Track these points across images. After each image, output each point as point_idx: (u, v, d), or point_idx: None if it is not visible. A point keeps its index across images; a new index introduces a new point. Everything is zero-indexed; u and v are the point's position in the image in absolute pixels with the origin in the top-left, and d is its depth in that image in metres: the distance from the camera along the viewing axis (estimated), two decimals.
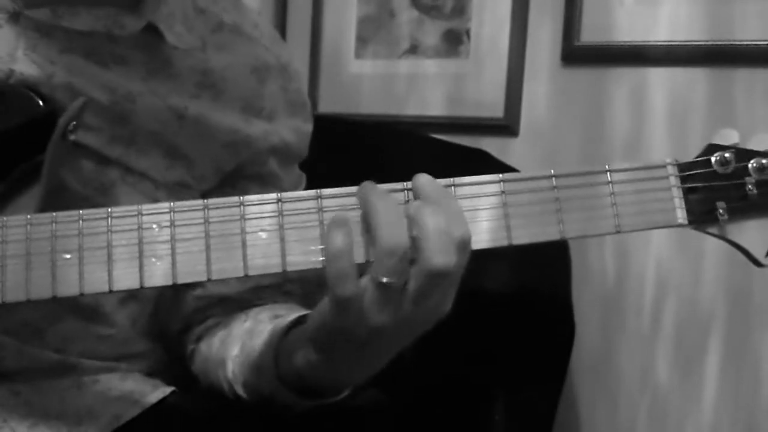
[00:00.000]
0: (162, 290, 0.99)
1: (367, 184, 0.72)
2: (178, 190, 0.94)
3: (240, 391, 0.92)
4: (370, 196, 0.71)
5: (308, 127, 1.05)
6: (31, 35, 0.86)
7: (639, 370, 1.50)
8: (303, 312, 0.89)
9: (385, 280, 0.70)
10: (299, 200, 0.73)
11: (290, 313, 0.91)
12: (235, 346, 0.94)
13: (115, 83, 0.89)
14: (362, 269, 0.72)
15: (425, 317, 0.73)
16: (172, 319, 1.02)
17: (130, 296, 0.95)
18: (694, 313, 1.46)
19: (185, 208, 0.73)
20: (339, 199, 0.73)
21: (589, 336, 1.51)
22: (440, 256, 0.69)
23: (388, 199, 0.71)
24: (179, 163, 0.94)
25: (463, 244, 0.71)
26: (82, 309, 0.91)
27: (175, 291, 1.00)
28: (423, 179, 0.72)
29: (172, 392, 0.96)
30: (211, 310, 1.00)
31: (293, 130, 1.02)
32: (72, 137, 0.82)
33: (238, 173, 0.98)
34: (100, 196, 0.88)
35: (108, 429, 0.89)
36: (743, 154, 0.75)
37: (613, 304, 1.52)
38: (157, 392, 0.95)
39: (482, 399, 1.28)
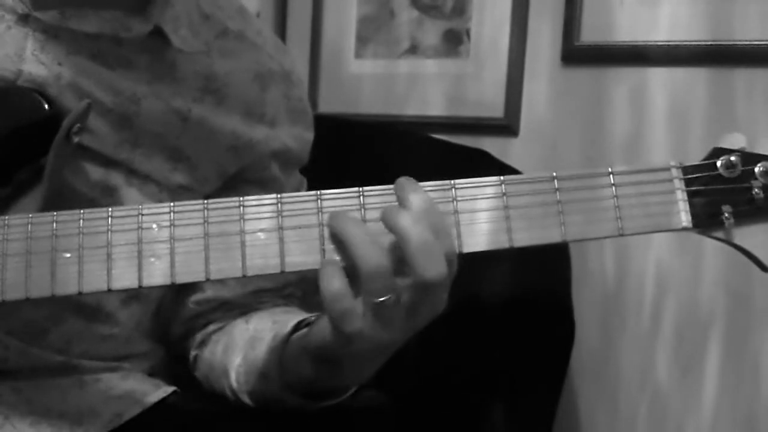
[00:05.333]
0: (164, 292, 0.99)
1: (334, 214, 0.72)
2: (181, 193, 0.94)
3: (246, 399, 0.93)
4: (338, 224, 0.71)
5: (309, 135, 1.05)
6: (39, 37, 0.86)
7: (639, 370, 1.50)
8: (301, 316, 0.90)
9: (376, 300, 0.70)
10: (298, 201, 0.73)
11: (289, 317, 0.91)
12: (238, 356, 0.94)
13: (120, 85, 0.89)
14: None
15: (422, 320, 0.73)
16: (173, 323, 1.02)
17: (133, 297, 0.95)
18: (694, 313, 1.46)
19: (185, 208, 0.73)
20: (338, 200, 0.73)
21: (589, 336, 1.51)
22: (432, 268, 0.69)
23: (355, 222, 0.71)
24: (182, 165, 0.94)
25: (452, 253, 0.71)
26: (85, 309, 0.91)
27: (176, 295, 1.00)
28: (414, 197, 0.70)
29: (174, 392, 0.96)
30: (211, 314, 1.00)
31: (294, 137, 1.02)
32: (76, 139, 0.82)
33: (239, 177, 0.99)
34: (105, 199, 0.89)
35: (109, 427, 0.90)
36: (749, 158, 0.73)
37: (613, 304, 1.52)
38: (158, 392, 0.95)
39: (482, 399, 1.28)
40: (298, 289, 1.02)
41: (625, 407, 1.51)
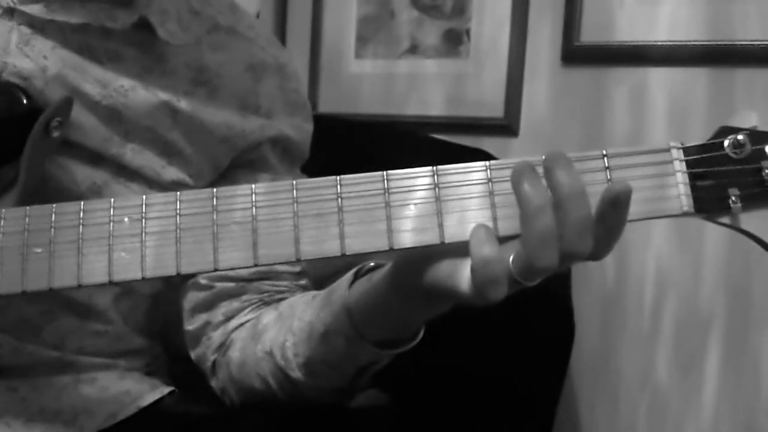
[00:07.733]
0: (159, 288, 0.98)
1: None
2: (174, 189, 0.91)
3: (297, 374, 0.87)
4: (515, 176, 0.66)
5: (309, 126, 1.04)
6: (25, 30, 0.87)
7: (639, 370, 1.50)
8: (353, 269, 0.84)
9: (524, 281, 0.66)
10: (273, 192, 0.70)
11: (324, 291, 0.87)
12: (281, 333, 0.89)
13: (108, 78, 0.89)
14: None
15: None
16: (185, 314, 0.97)
17: (125, 293, 0.94)
18: (694, 312, 1.45)
19: (157, 200, 0.72)
20: (314, 190, 0.70)
21: (589, 336, 1.51)
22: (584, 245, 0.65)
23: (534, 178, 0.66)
24: (175, 160, 0.93)
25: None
26: (76, 306, 0.91)
27: (182, 282, 0.97)
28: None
29: (170, 392, 0.95)
30: (226, 302, 0.95)
31: (293, 127, 1.00)
32: (56, 134, 0.82)
33: (231, 164, 0.96)
34: (93, 196, 0.88)
35: (102, 427, 0.89)
36: (759, 137, 0.67)
37: (613, 304, 1.52)
38: (154, 392, 0.94)
39: (482, 399, 1.28)
40: (311, 281, 0.98)
41: (625, 407, 1.51)
